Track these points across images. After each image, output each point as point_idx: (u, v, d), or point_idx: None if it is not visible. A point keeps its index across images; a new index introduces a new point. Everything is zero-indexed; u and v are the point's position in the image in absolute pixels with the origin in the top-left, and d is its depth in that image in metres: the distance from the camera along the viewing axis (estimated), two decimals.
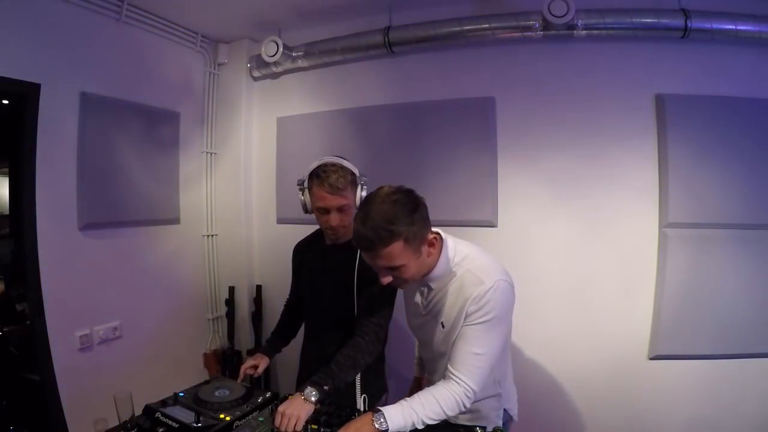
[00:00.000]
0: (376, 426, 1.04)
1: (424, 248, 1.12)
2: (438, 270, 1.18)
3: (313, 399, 1.20)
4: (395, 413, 1.07)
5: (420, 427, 1.08)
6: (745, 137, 1.83)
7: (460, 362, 1.11)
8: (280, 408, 1.18)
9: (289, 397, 1.26)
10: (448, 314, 1.18)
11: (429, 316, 1.26)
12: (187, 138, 2.54)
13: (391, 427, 1.05)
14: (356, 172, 1.43)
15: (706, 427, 1.88)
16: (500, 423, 1.31)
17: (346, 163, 1.42)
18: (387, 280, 1.11)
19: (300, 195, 1.45)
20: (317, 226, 1.58)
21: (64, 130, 1.91)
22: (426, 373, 1.51)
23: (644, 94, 1.92)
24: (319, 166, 1.40)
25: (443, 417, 1.10)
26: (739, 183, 1.82)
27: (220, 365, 2.58)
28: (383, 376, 1.63)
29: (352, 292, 1.42)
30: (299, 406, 1.18)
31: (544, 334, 2.04)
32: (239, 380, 1.44)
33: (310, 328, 1.65)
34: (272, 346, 1.69)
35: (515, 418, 1.40)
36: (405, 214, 1.04)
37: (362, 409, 1.27)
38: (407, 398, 1.13)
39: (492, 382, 1.27)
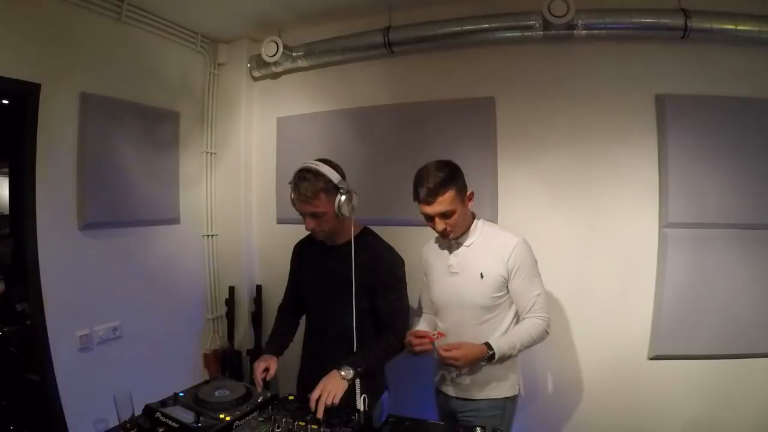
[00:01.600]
0: (489, 353, 1.35)
1: (466, 202, 1.43)
2: (473, 229, 1.48)
3: (350, 377, 1.33)
4: (501, 342, 1.38)
5: (514, 352, 1.39)
6: (745, 137, 1.83)
7: (531, 306, 1.43)
8: (321, 384, 1.30)
9: (330, 374, 1.34)
10: (486, 264, 1.43)
11: (464, 272, 1.46)
12: (187, 138, 2.54)
13: (497, 352, 1.35)
14: (334, 178, 1.41)
15: (706, 426, 1.88)
16: (518, 390, 1.51)
17: (324, 169, 1.41)
18: (442, 226, 1.39)
19: (291, 193, 1.47)
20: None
21: (64, 130, 1.91)
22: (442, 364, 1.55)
23: (644, 94, 1.92)
24: (299, 170, 1.43)
25: (534, 344, 1.42)
26: (738, 183, 1.83)
27: (220, 365, 2.58)
28: (383, 374, 1.66)
29: (351, 291, 1.44)
30: (338, 384, 1.30)
31: None
32: (259, 388, 1.41)
33: (311, 326, 1.66)
34: (275, 347, 1.66)
35: (522, 393, 1.55)
36: (453, 172, 1.39)
37: (362, 409, 1.27)
38: (504, 334, 1.44)
39: None
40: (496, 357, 1.35)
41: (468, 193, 1.44)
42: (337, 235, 1.53)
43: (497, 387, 1.47)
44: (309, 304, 1.66)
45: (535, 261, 1.48)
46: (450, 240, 1.49)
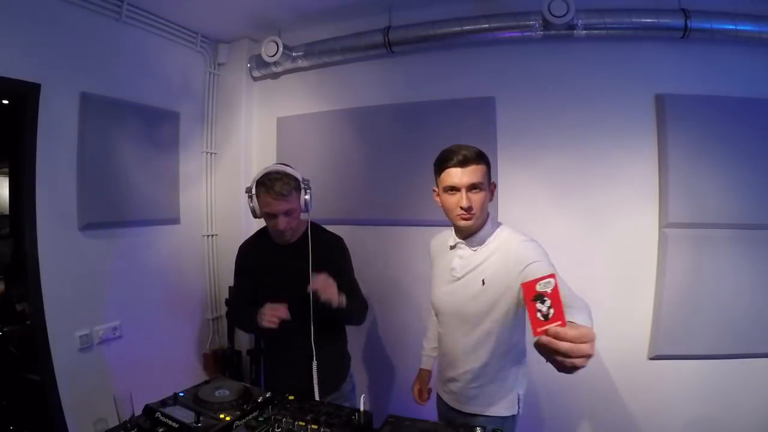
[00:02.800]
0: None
1: (490, 191, 1.34)
2: (484, 229, 1.36)
3: (341, 302, 1.46)
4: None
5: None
6: (745, 137, 1.83)
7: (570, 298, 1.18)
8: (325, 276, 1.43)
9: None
10: (490, 270, 1.30)
11: (466, 277, 1.35)
12: (187, 138, 2.54)
13: None
14: (299, 177, 1.56)
15: (706, 426, 1.88)
16: (516, 409, 1.40)
17: (289, 170, 1.55)
18: (467, 202, 1.26)
19: (249, 201, 1.57)
20: (264, 226, 1.71)
21: (64, 130, 1.91)
22: (441, 356, 1.53)
23: (644, 94, 1.92)
24: (265, 174, 1.53)
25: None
26: (738, 183, 1.83)
27: (220, 365, 2.58)
28: (346, 366, 1.77)
29: (307, 281, 1.49)
30: (335, 290, 1.43)
31: None
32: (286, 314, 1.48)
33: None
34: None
35: (521, 411, 1.43)
36: (485, 154, 1.33)
37: (362, 408, 1.27)
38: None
39: (519, 351, 1.41)
40: None
41: (492, 182, 1.36)
42: (295, 232, 1.64)
43: (497, 404, 1.38)
44: (269, 301, 1.66)
45: (550, 262, 1.35)
46: (463, 230, 1.35)
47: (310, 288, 1.43)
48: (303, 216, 1.62)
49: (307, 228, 1.62)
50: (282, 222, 1.53)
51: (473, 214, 1.29)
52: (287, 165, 1.59)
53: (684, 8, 1.80)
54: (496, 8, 2.02)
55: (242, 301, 1.76)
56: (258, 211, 1.57)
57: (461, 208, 1.27)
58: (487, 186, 1.32)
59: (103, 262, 2.07)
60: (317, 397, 1.41)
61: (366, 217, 2.34)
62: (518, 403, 1.40)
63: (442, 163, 1.31)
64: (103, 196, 2.05)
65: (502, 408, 1.37)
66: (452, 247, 1.41)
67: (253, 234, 1.79)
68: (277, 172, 1.52)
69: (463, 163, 1.26)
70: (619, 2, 1.86)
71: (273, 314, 1.48)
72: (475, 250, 1.35)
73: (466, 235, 1.36)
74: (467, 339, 1.36)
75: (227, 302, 2.63)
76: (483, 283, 1.30)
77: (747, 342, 1.83)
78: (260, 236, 1.75)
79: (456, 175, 1.27)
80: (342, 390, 1.68)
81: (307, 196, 1.55)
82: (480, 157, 1.30)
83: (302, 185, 1.55)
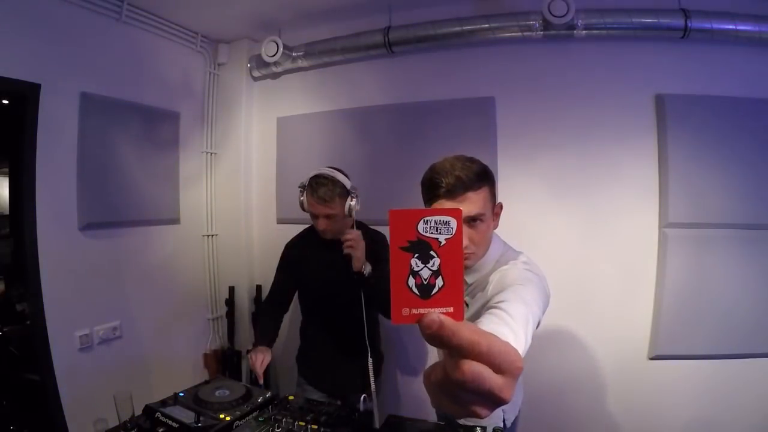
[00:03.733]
0: None
1: (494, 216, 1.07)
2: (485, 258, 1.09)
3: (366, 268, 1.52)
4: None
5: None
6: (745, 137, 1.83)
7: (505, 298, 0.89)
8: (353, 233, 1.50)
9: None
10: (476, 309, 1.08)
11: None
12: (187, 138, 2.54)
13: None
14: (347, 184, 1.61)
15: (707, 427, 1.88)
16: (501, 422, 1.25)
17: (339, 176, 1.60)
18: (465, 240, 0.97)
19: (300, 195, 1.65)
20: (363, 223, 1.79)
21: (64, 130, 1.91)
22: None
23: (644, 93, 1.92)
24: (315, 176, 1.60)
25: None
26: (739, 183, 1.82)
27: (220, 365, 2.58)
28: (380, 362, 1.89)
29: (350, 280, 1.58)
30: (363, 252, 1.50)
31: (544, 333, 2.04)
32: (260, 379, 1.56)
33: (316, 318, 1.83)
34: (268, 340, 1.76)
35: (507, 425, 1.29)
36: (488, 168, 1.04)
37: (362, 408, 1.27)
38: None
39: None
40: None
41: (497, 203, 1.08)
42: (340, 231, 1.68)
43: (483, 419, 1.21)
44: (310, 297, 1.84)
45: (544, 298, 0.99)
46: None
47: (343, 238, 1.52)
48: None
49: (358, 226, 1.69)
50: (321, 223, 1.62)
51: (471, 253, 1.04)
52: (339, 170, 1.64)
53: (684, 8, 1.80)
54: (496, 8, 2.02)
55: (276, 295, 1.87)
56: (305, 206, 1.64)
57: None
58: (491, 212, 1.05)
59: (103, 262, 2.07)
60: (362, 407, 1.32)
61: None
62: (503, 419, 1.26)
63: (429, 188, 1.03)
64: (103, 196, 2.05)
65: (486, 419, 1.19)
66: None
67: (301, 231, 1.89)
68: (325, 177, 1.58)
69: (455, 192, 0.98)
70: (619, 2, 1.86)
71: (251, 360, 1.59)
72: (470, 284, 1.13)
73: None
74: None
75: (227, 302, 2.64)
76: (467, 305, 1.13)
77: (747, 342, 1.83)
78: (307, 233, 1.84)
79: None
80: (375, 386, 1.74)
81: (353, 202, 1.59)
82: (481, 178, 1.01)
83: (350, 192, 1.60)
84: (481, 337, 0.34)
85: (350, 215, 1.61)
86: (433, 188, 1.01)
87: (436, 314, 0.35)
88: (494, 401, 0.34)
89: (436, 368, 0.36)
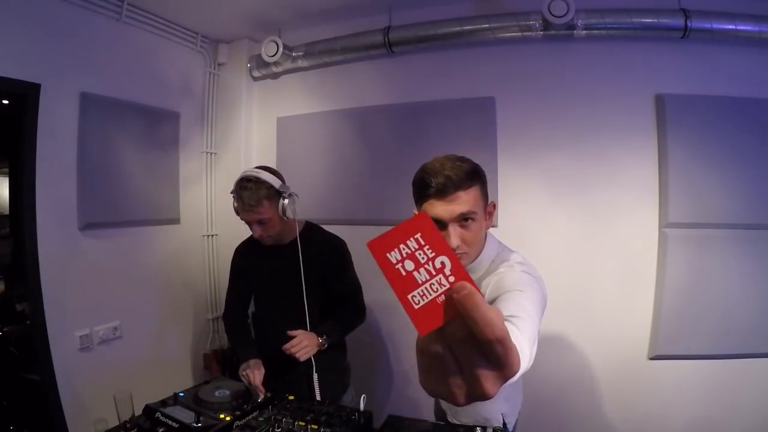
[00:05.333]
0: None
1: (487, 215, 1.07)
2: (480, 261, 1.09)
3: (324, 346, 1.48)
4: None
5: None
6: (745, 137, 1.83)
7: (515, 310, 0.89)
8: (301, 335, 1.43)
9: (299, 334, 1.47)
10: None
11: None
12: (187, 138, 2.54)
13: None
14: (276, 184, 1.48)
15: (706, 427, 1.88)
16: (501, 423, 1.26)
17: (264, 176, 1.46)
18: (456, 240, 0.99)
19: (233, 202, 1.51)
20: (316, 225, 1.70)
21: (64, 130, 1.91)
22: None
23: (644, 93, 1.92)
24: (238, 180, 1.48)
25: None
26: (739, 183, 1.82)
27: (220, 365, 2.58)
28: (348, 373, 1.76)
29: (301, 283, 1.52)
30: (314, 343, 1.45)
31: (544, 333, 2.02)
32: (262, 394, 1.41)
33: (266, 326, 1.71)
34: (254, 350, 1.66)
35: (509, 427, 1.29)
36: (479, 167, 1.05)
37: (362, 408, 1.27)
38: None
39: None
40: None
41: (489, 203, 1.08)
42: (283, 236, 1.59)
43: (482, 422, 1.23)
44: (263, 305, 1.72)
45: (542, 301, 0.97)
46: None
47: (285, 348, 1.41)
48: (297, 219, 1.58)
49: (303, 227, 1.61)
50: (256, 231, 1.50)
51: (463, 253, 1.03)
52: (266, 168, 1.52)
53: (684, 8, 1.80)
54: (496, 8, 2.03)
55: (237, 306, 1.76)
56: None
57: (452, 245, 1.00)
58: (483, 211, 1.04)
59: (103, 262, 2.07)
60: (362, 407, 1.30)
61: (366, 217, 2.33)
62: (503, 423, 1.26)
63: (420, 189, 1.03)
64: (103, 196, 2.05)
65: (482, 419, 1.24)
66: None
67: (249, 236, 1.73)
68: (248, 179, 1.45)
69: (445, 192, 0.98)
70: (619, 2, 1.86)
71: (248, 378, 1.49)
72: None
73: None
74: None
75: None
76: None
77: (747, 342, 1.83)
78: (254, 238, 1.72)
79: (438, 208, 0.99)
80: (342, 401, 1.64)
81: (286, 201, 1.47)
82: (471, 177, 1.00)
83: (280, 192, 1.47)
84: (501, 322, 0.34)
85: (286, 216, 1.48)
86: (423, 188, 1.01)
87: (469, 284, 0.35)
88: (503, 372, 0.34)
89: (453, 327, 0.35)
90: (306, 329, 1.51)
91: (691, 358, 1.88)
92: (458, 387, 0.35)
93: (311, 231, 1.65)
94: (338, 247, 1.64)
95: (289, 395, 1.41)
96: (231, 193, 1.51)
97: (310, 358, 1.49)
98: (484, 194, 1.05)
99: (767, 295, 1.81)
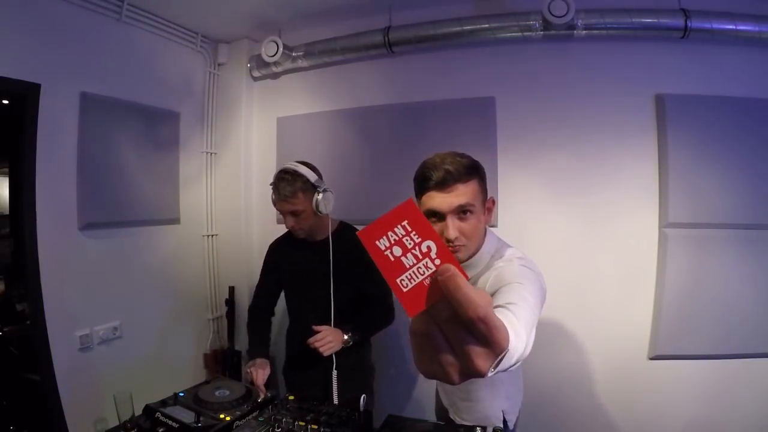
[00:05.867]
0: None
1: (486, 210, 1.10)
2: (480, 256, 1.11)
3: (349, 343, 1.46)
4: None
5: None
6: (745, 137, 1.83)
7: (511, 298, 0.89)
8: (325, 330, 1.42)
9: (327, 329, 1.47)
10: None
11: None
12: (187, 138, 2.54)
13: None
14: (312, 178, 1.54)
15: (706, 427, 1.88)
16: (502, 422, 1.25)
17: (302, 169, 1.54)
18: (454, 232, 1.02)
19: (272, 195, 1.58)
20: (350, 225, 1.75)
21: (64, 130, 1.91)
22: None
23: (644, 94, 1.92)
24: (277, 172, 1.55)
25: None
26: (739, 183, 1.82)
27: (220, 365, 2.58)
28: (373, 373, 1.78)
29: (330, 280, 1.54)
30: (338, 339, 1.43)
31: (544, 333, 2.04)
32: (262, 394, 1.41)
33: (296, 321, 1.75)
34: (264, 349, 1.69)
35: (510, 426, 1.29)
36: (477, 162, 1.09)
37: (362, 408, 1.27)
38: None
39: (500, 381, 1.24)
40: None
41: (488, 198, 1.11)
42: (316, 232, 1.64)
43: (484, 420, 1.24)
44: (293, 300, 1.76)
45: (541, 292, 0.98)
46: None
47: (309, 342, 1.43)
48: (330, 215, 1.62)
49: (337, 226, 1.63)
50: (289, 221, 1.55)
51: (461, 245, 1.05)
52: (304, 163, 1.58)
53: (684, 8, 1.80)
54: (496, 8, 2.03)
55: (263, 302, 1.81)
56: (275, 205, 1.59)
57: (446, 239, 1.03)
58: (482, 205, 1.07)
59: (103, 262, 2.07)
60: (362, 407, 1.30)
61: (366, 216, 2.32)
62: (503, 420, 1.26)
63: (420, 182, 1.07)
64: (103, 196, 2.05)
65: (484, 419, 1.25)
66: None
67: (285, 232, 1.80)
68: (287, 172, 1.53)
69: (444, 184, 1.02)
70: (619, 2, 1.86)
71: (252, 376, 1.49)
72: (469, 279, 1.15)
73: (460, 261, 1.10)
74: None
75: (227, 302, 2.64)
76: None
77: (747, 342, 1.83)
78: (290, 234, 1.74)
79: (437, 199, 1.03)
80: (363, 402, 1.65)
81: (320, 196, 1.53)
82: (470, 171, 1.04)
83: (315, 186, 1.53)
84: (484, 302, 0.35)
85: (319, 211, 1.53)
86: (423, 182, 1.05)
87: (452, 266, 0.38)
88: (491, 349, 0.36)
89: (439, 307, 0.37)
90: (332, 325, 1.53)
91: (691, 358, 1.88)
92: (451, 365, 0.37)
93: (345, 230, 1.68)
94: None
95: (290, 395, 1.41)
96: (270, 184, 1.58)
97: (350, 353, 1.54)
98: (483, 189, 1.08)
99: (767, 295, 1.81)
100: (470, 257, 1.10)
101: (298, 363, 1.71)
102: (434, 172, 1.02)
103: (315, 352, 1.43)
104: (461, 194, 1.02)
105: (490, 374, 0.39)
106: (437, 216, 1.04)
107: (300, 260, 1.67)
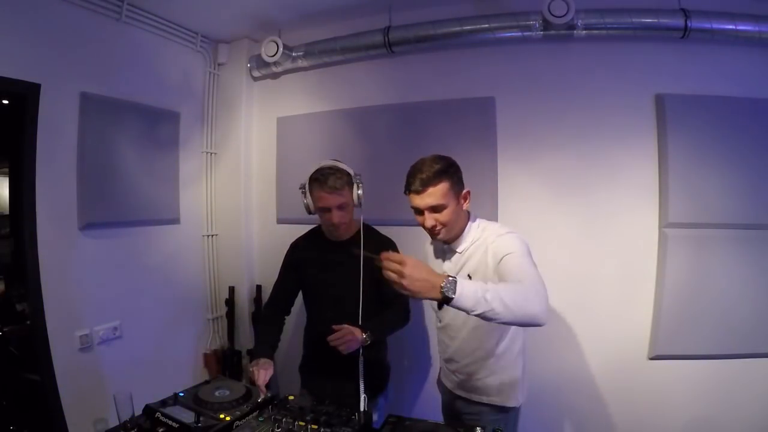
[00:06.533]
0: (442, 287, 0.98)
1: (461, 200, 1.35)
2: (467, 232, 1.39)
3: (367, 342, 1.47)
4: (468, 284, 0.98)
5: (491, 309, 0.96)
6: (745, 137, 1.83)
7: (520, 274, 1.16)
8: (347, 328, 1.43)
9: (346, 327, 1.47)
10: (473, 267, 1.35)
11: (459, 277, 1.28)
12: (187, 138, 2.54)
13: (456, 298, 0.97)
14: (351, 172, 1.59)
15: (706, 427, 1.88)
16: (519, 402, 1.46)
17: (341, 165, 1.59)
18: (431, 222, 1.31)
19: (303, 198, 1.60)
20: (316, 225, 1.74)
21: (64, 130, 1.91)
22: (442, 351, 1.60)
23: (644, 93, 1.92)
24: (318, 169, 1.56)
25: (523, 307, 0.99)
26: (739, 183, 1.83)
27: (220, 365, 2.58)
28: (388, 371, 1.79)
29: (359, 282, 1.52)
30: (357, 337, 1.44)
31: (544, 333, 2.02)
32: (262, 393, 1.41)
33: (320, 320, 1.73)
34: (269, 349, 1.67)
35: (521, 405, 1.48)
36: (450, 166, 1.33)
37: (363, 408, 1.27)
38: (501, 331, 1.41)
39: (517, 352, 1.46)
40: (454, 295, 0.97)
41: (464, 191, 1.37)
42: (348, 228, 1.66)
43: (501, 393, 1.43)
44: (315, 299, 1.77)
45: (529, 252, 1.27)
46: (441, 242, 1.44)
47: (328, 339, 1.44)
48: (355, 211, 1.65)
49: (359, 228, 1.64)
50: (336, 215, 1.57)
51: (440, 230, 1.34)
52: (338, 160, 1.62)
53: (684, 8, 1.80)
54: (496, 8, 2.02)
55: (278, 300, 1.80)
56: (312, 206, 1.59)
57: (426, 228, 1.35)
58: (454, 199, 1.32)
59: (103, 262, 2.07)
60: (363, 407, 1.31)
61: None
62: (519, 394, 1.46)
63: (406, 185, 1.35)
64: (103, 196, 2.05)
65: (510, 398, 1.44)
66: (444, 251, 1.48)
67: (306, 232, 1.83)
68: (330, 168, 1.56)
69: (418, 191, 1.30)
70: (619, 2, 1.86)
71: (255, 373, 1.48)
72: (460, 252, 1.40)
73: (449, 240, 1.42)
74: (466, 332, 1.43)
75: (227, 302, 2.64)
76: (469, 278, 1.35)
77: (747, 342, 1.83)
78: (313, 234, 1.80)
79: (415, 201, 1.33)
80: (377, 401, 1.66)
81: (360, 191, 1.58)
82: (439, 176, 1.28)
83: (354, 180, 1.58)
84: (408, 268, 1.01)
85: (359, 204, 1.59)
86: (407, 186, 1.34)
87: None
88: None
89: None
90: (354, 324, 1.53)
91: (691, 358, 1.88)
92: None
93: (368, 231, 1.69)
94: (393, 248, 1.67)
95: (290, 395, 1.41)
96: (301, 187, 1.60)
97: (370, 352, 1.53)
98: (455, 186, 1.32)
99: (767, 295, 1.81)
100: (458, 236, 1.40)
101: (316, 360, 1.75)
102: (413, 179, 1.31)
103: (333, 350, 1.44)
104: (431, 196, 1.29)
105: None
106: (417, 211, 1.35)
107: (324, 259, 1.69)
